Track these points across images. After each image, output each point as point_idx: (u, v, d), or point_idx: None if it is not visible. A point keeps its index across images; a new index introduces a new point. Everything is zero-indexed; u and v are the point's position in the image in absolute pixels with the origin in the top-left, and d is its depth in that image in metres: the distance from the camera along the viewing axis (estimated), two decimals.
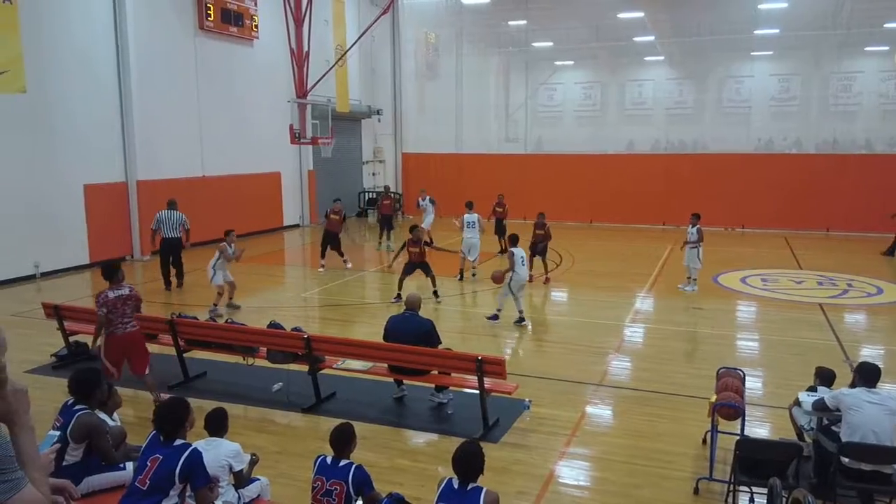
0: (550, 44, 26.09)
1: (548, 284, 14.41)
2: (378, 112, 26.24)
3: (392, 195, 20.44)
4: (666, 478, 6.08)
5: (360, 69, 25.37)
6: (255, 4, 20.17)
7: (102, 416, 5.20)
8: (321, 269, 15.49)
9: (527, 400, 7.49)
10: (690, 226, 13.60)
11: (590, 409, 7.71)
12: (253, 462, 5.19)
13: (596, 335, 10.65)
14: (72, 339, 9.18)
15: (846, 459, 5.33)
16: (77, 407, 4.98)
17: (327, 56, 21.50)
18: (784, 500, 4.56)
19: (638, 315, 12.10)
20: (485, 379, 6.89)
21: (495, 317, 11.32)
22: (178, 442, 4.34)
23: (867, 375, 5.64)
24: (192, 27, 18.32)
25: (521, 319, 11.15)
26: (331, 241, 15.54)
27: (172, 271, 13.65)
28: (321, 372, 7.75)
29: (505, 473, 6.07)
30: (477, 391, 6.96)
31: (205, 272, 12.04)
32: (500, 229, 17.32)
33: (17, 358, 9.07)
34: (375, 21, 20.55)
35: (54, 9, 14.59)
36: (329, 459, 4.64)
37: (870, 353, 9.86)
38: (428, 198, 19.50)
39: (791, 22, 23.18)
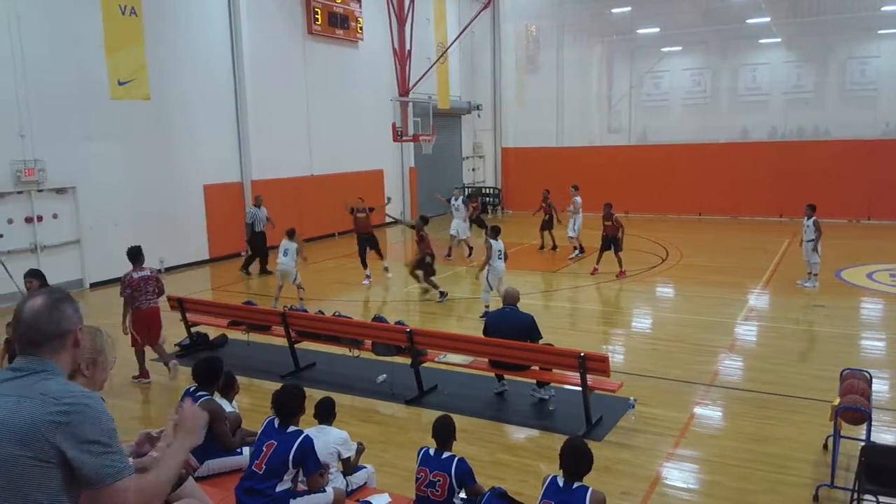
0: (657, 30, 25.12)
1: (622, 278, 13.76)
2: (478, 107, 26.31)
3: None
4: (783, 483, 5.75)
5: (460, 65, 25.52)
6: (360, 6, 20.72)
7: (222, 402, 5.53)
8: (366, 282, 13.85)
9: (632, 399, 7.29)
10: (806, 218, 12.81)
11: (699, 410, 7.41)
12: (359, 450, 5.36)
13: (706, 333, 10.20)
14: (193, 329, 9.82)
15: None
16: (199, 393, 5.32)
17: (428, 54, 21.78)
18: None
19: (752, 312, 11.49)
20: (588, 376, 6.77)
21: (486, 314, 9.77)
22: (292, 429, 4.54)
23: None
24: (302, 31, 19.08)
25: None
26: (367, 243, 14.06)
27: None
28: (423, 365, 7.89)
29: (608, 473, 5.94)
30: (579, 388, 6.86)
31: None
32: (546, 224, 17.17)
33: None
34: (476, 17, 20.61)
35: (176, 19, 15.63)
36: (432, 451, 4.72)
37: None
38: (461, 198, 17.73)
39: None
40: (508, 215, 24.89)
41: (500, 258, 11.16)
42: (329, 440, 5.00)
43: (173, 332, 10.03)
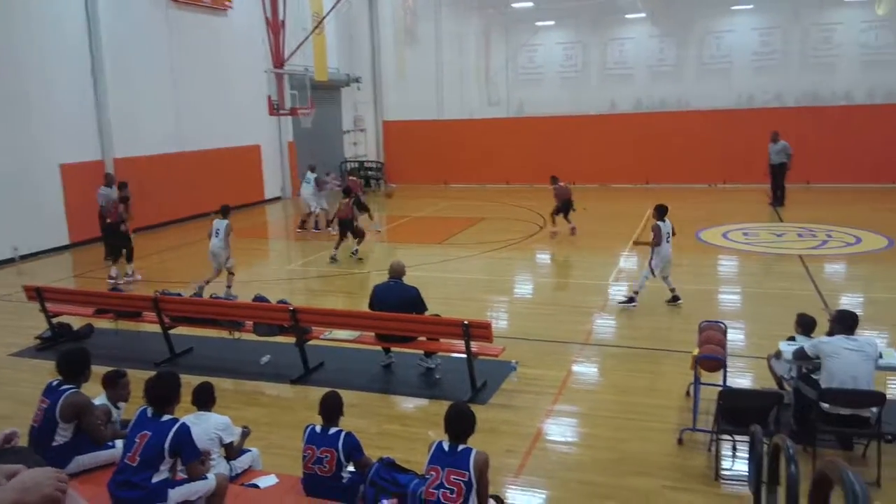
0: (531, 4, 25.69)
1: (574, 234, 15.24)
2: (357, 80, 25.87)
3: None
4: (651, 430, 6.20)
5: (337, 37, 24.93)
6: None
7: (103, 402, 5.22)
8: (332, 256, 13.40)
9: (513, 361, 7.57)
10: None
11: (576, 368, 7.82)
12: (244, 434, 5.24)
13: (581, 295, 10.75)
14: (55, 320, 9.12)
15: (825, 405, 5.47)
16: (64, 386, 4.98)
17: (304, 24, 21.09)
18: (765, 446, 4.67)
19: (622, 274, 12.18)
20: (472, 343, 6.95)
21: (631, 300, 9.93)
22: (167, 417, 4.37)
23: (845, 323, 5.76)
24: None
25: (675, 298, 9.85)
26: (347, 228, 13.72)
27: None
28: (308, 343, 7.79)
29: (493, 434, 6.16)
30: (464, 355, 7.03)
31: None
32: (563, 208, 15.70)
33: (1, 342, 9.05)
34: None
35: None
36: (318, 428, 4.70)
37: (848, 301, 10.03)
38: (313, 175, 17.31)
39: None
40: (393, 189, 24.83)
41: (668, 241, 9.77)
42: (209, 426, 4.86)
43: (32, 324, 9.30)
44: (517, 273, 12.99)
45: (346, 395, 4.96)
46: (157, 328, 8.39)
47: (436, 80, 26.79)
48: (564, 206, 15.29)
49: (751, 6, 24.42)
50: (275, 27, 17.51)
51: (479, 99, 27.54)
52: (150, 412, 4.40)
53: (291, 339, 7.71)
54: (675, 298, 9.91)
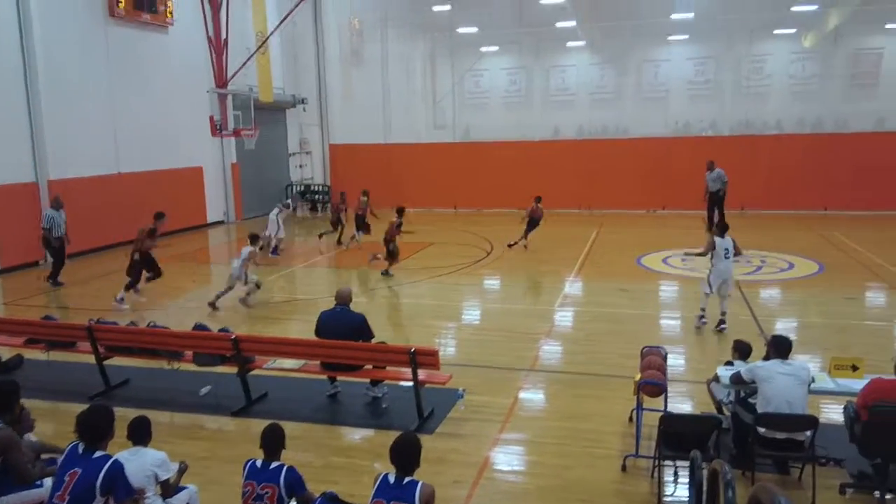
0: (475, 29, 26.09)
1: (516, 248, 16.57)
2: (303, 101, 25.70)
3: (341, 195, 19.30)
4: (596, 456, 6.26)
5: (282, 57, 24.78)
6: None
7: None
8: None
9: (461, 389, 7.55)
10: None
11: (522, 395, 7.85)
12: (181, 470, 5.05)
13: (528, 320, 10.83)
14: None
15: (762, 429, 5.63)
16: None
17: (248, 44, 20.89)
18: (704, 471, 4.77)
19: (567, 299, 12.37)
20: (419, 370, 6.91)
21: (701, 317, 10.02)
22: (99, 454, 4.21)
23: (780, 348, 5.96)
24: (102, 14, 17.43)
25: (722, 322, 9.88)
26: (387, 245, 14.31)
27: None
28: (251, 373, 7.59)
29: (440, 463, 6.12)
30: (412, 384, 6.97)
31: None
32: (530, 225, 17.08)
33: None
34: (296, 7, 20.08)
35: None
36: (259, 463, 4.57)
37: (783, 326, 10.41)
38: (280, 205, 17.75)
39: (705, 6, 23.95)
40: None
41: (727, 257, 9.75)
42: (144, 462, 4.66)
43: None
44: (465, 299, 13.02)
45: (290, 427, 4.86)
46: (91, 359, 8.04)
47: (382, 103, 26.87)
48: (531, 224, 16.65)
49: (686, 36, 25.42)
50: (218, 46, 17.27)
51: (426, 122, 27.70)
52: (81, 448, 4.24)
53: (233, 369, 7.51)
54: (720, 323, 9.85)
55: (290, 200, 18.13)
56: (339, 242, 17.92)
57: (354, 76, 27.15)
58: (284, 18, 20.26)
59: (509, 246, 16.84)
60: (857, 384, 5.79)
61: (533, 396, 7.92)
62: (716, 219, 18.70)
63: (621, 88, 25.91)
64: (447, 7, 25.37)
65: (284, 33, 22.76)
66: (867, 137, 22.16)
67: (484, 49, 27.16)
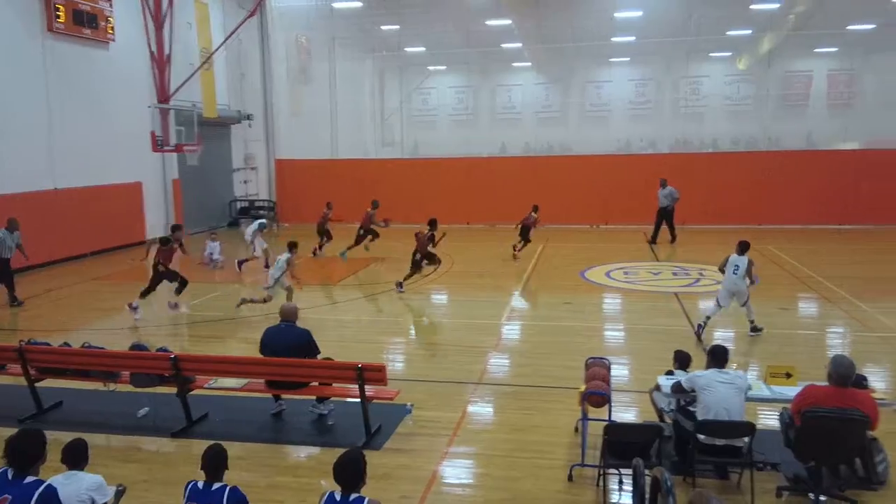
0: (423, 49, 26.37)
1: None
2: (249, 117, 25.39)
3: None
4: (542, 467, 6.32)
5: (228, 73, 24.45)
6: (111, 5, 18.92)
7: None
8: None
9: (409, 404, 7.52)
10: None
11: (470, 408, 7.86)
12: (119, 493, 4.86)
13: (475, 335, 10.88)
14: None
15: (702, 436, 5.78)
16: None
17: (192, 60, 20.55)
18: (647, 479, 4.87)
19: (513, 313, 12.49)
20: (366, 386, 6.85)
21: (700, 326, 10.51)
22: (30, 479, 4.02)
23: (717, 357, 6.15)
24: (40, 28, 16.91)
25: (755, 329, 10.54)
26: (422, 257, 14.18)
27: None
28: (192, 393, 7.39)
29: (388, 479, 6.06)
30: (359, 400, 6.91)
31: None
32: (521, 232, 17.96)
33: None
34: (242, 24, 19.89)
35: None
36: (201, 484, 4.44)
37: (720, 335, 10.74)
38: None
39: (645, 30, 24.81)
40: (285, 228, 24.32)
41: (735, 273, 10.46)
42: (80, 487, 4.47)
43: None
44: (413, 314, 13.00)
45: (233, 448, 4.75)
46: (22, 381, 7.70)
47: (330, 120, 26.81)
48: (522, 232, 17.49)
49: (627, 58, 26.29)
50: (160, 62, 16.97)
51: (374, 139, 27.75)
52: (10, 474, 4.05)
53: (173, 389, 7.30)
54: (754, 329, 10.53)
55: (265, 220, 17.76)
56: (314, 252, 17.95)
57: (302, 93, 27.01)
58: (229, 36, 20.07)
59: (514, 254, 17.62)
60: (792, 391, 6.00)
61: (481, 410, 7.95)
62: (665, 232, 19.50)
63: (566, 108, 26.57)
64: (396, 27, 25.59)
65: (230, 49, 22.50)
66: (798, 155, 23.23)
67: (431, 68, 27.45)
